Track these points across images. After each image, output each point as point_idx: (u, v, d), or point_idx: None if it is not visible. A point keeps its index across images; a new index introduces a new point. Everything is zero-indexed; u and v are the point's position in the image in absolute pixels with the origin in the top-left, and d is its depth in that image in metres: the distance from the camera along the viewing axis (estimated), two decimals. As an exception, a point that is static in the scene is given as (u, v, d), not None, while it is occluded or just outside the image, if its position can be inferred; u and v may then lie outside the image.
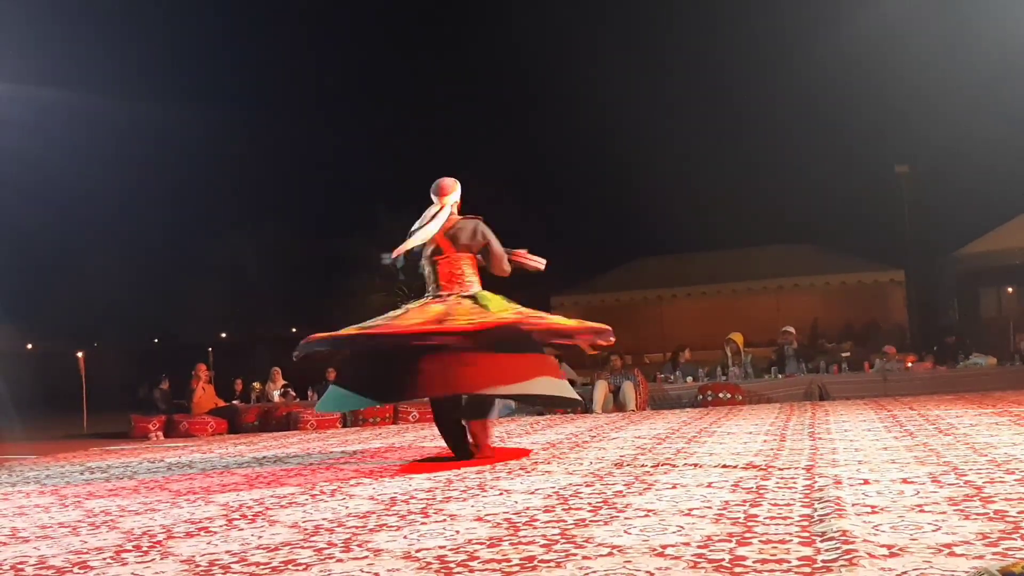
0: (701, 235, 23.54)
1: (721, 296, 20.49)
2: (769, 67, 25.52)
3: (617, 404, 11.81)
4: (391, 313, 6.46)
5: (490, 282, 6.72)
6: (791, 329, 13.80)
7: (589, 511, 3.84)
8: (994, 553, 2.68)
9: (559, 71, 29.75)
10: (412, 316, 6.20)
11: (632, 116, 27.06)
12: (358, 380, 6.54)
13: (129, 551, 3.57)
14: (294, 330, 29.41)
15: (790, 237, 22.11)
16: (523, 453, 6.63)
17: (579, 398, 7.11)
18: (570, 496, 4.31)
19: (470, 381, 6.01)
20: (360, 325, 6.37)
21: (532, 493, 4.49)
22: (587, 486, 4.63)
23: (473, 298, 6.38)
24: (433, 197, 6.67)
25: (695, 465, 5.24)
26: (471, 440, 6.43)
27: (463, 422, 6.52)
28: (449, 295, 6.39)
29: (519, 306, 6.43)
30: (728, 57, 27.07)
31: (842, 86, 25.47)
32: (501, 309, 6.27)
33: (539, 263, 6.76)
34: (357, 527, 3.79)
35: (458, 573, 2.85)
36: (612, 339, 6.64)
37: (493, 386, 6.10)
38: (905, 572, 2.52)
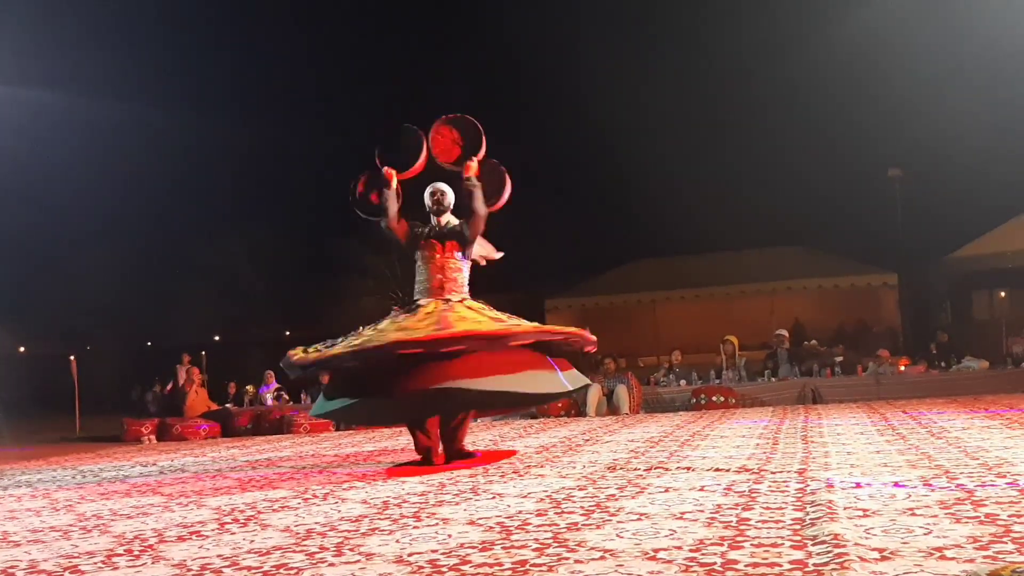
0: (694, 238, 23.55)
1: (714, 299, 20.52)
2: (762, 70, 25.61)
3: (610, 407, 11.81)
4: (382, 324, 6.40)
5: (481, 286, 6.73)
6: (784, 332, 13.82)
7: (582, 515, 3.84)
8: (985, 557, 2.69)
9: (551, 73, 29.76)
10: (406, 327, 6.14)
11: (625, 118, 27.08)
12: (345, 386, 6.40)
13: (120, 555, 3.56)
14: (287, 333, 29.36)
15: (783, 240, 22.15)
16: (507, 455, 6.63)
17: (569, 389, 6.88)
18: (563, 500, 4.31)
19: (452, 373, 5.88)
20: (349, 342, 6.31)
21: (525, 497, 4.49)
22: (580, 490, 4.63)
23: (466, 305, 6.37)
24: (431, 202, 6.68)
25: (688, 468, 5.25)
26: (448, 441, 6.43)
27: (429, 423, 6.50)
28: (441, 300, 6.36)
29: (508, 315, 6.44)
30: (720, 60, 27.13)
31: (834, 89, 25.51)
32: (495, 317, 6.28)
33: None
34: (349, 531, 3.79)
35: (450, 577, 2.85)
36: (594, 347, 6.69)
37: (475, 378, 6.00)
38: (896, 576, 2.52)
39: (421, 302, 6.41)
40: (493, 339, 5.99)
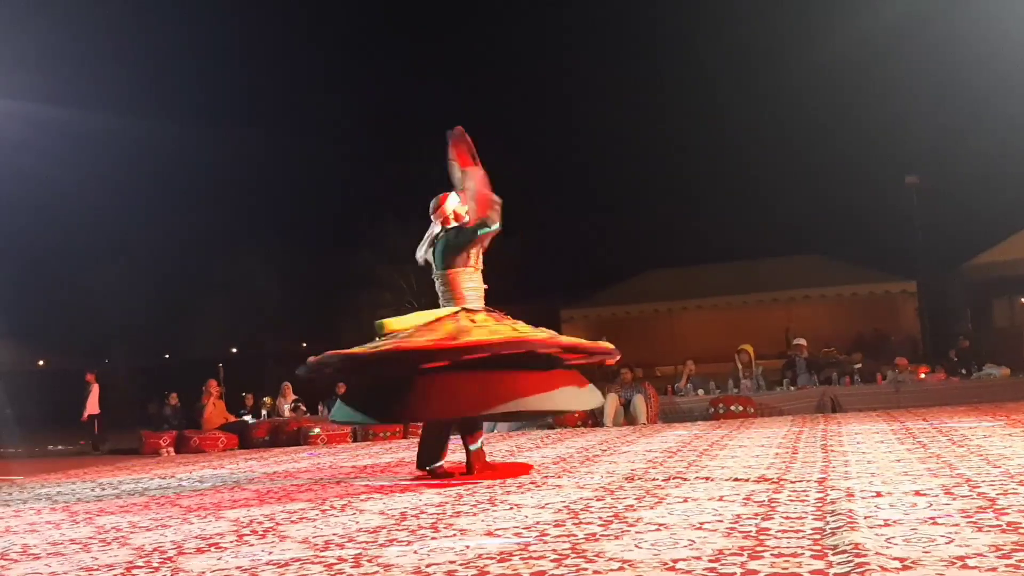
0: (711, 247, 23.51)
1: (731, 308, 20.44)
2: (777, 77, 25.54)
3: (628, 417, 11.78)
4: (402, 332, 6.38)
5: (497, 297, 6.70)
6: (802, 341, 13.76)
7: (600, 525, 3.82)
8: (1007, 565, 2.66)
9: (564, 84, 29.85)
10: (422, 334, 6.11)
11: (639, 128, 27.11)
12: (366, 399, 6.37)
13: (140, 567, 3.57)
14: (304, 345, 29.45)
15: (799, 248, 22.06)
16: (525, 469, 6.57)
17: (598, 403, 7.09)
18: (581, 510, 4.30)
19: (483, 400, 5.91)
20: (369, 345, 6.29)
21: (542, 507, 4.48)
22: (598, 500, 4.62)
23: (485, 314, 6.33)
24: (432, 216, 6.65)
25: (707, 478, 5.22)
26: (467, 453, 6.41)
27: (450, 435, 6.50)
28: (459, 310, 6.32)
29: (526, 325, 6.40)
30: (735, 68, 27.12)
31: (850, 95, 25.45)
32: (513, 326, 6.25)
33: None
34: (367, 542, 3.79)
35: (468, 588, 2.84)
36: (617, 357, 6.62)
37: (506, 403, 6.01)
38: (918, 585, 2.50)
39: (443, 310, 6.39)
40: (514, 346, 5.93)
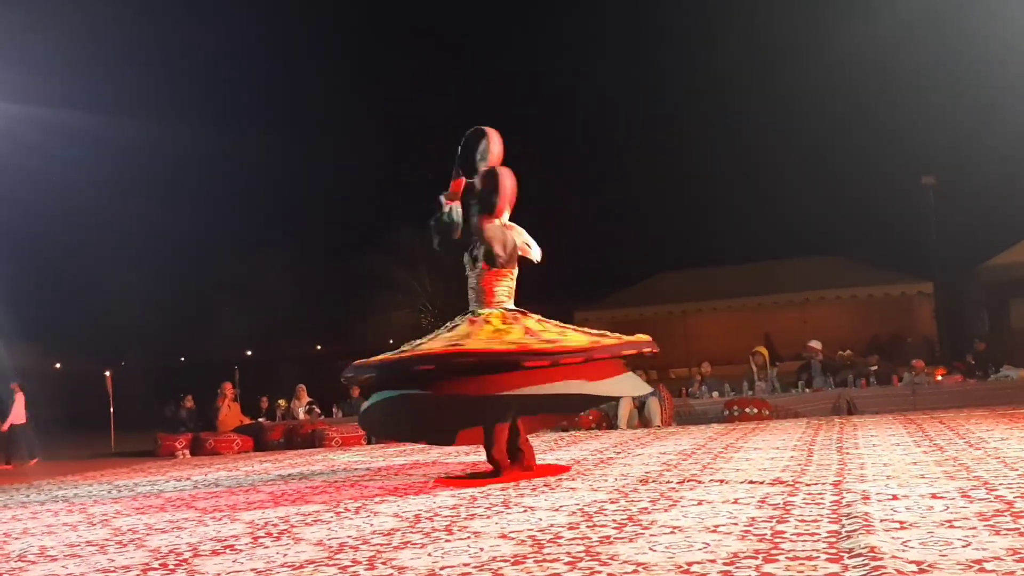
0: (726, 248, 23.43)
1: (746, 310, 20.35)
2: (793, 77, 25.44)
3: (642, 420, 11.74)
4: (439, 333, 6.44)
5: (516, 299, 6.72)
6: (817, 344, 13.69)
7: (614, 528, 3.82)
8: (1026, 569, 2.64)
9: (578, 86, 29.83)
10: (471, 340, 6.13)
11: (653, 130, 27.07)
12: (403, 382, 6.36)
13: (156, 569, 3.59)
14: (319, 347, 29.54)
15: (815, 249, 21.95)
16: (561, 469, 6.56)
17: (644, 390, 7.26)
18: (595, 513, 4.30)
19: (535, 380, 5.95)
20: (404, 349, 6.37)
21: (556, 510, 4.48)
22: (612, 503, 4.61)
23: (517, 317, 6.38)
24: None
25: (721, 481, 5.21)
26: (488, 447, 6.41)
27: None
28: (493, 312, 6.37)
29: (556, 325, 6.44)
30: (750, 69, 27.01)
31: (866, 96, 25.33)
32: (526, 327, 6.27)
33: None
34: (382, 544, 3.79)
35: (482, 591, 2.84)
36: (656, 349, 6.62)
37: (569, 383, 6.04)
38: (935, 589, 2.48)
39: (476, 313, 6.43)
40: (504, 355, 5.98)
